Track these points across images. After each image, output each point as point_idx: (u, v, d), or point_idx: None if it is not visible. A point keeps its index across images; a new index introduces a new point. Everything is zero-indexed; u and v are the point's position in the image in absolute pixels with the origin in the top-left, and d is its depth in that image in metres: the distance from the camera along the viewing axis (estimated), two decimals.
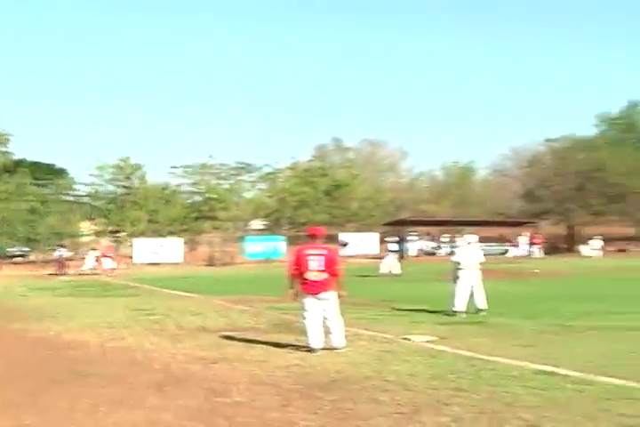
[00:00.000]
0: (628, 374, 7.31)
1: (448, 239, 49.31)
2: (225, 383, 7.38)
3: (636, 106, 69.65)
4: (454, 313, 13.44)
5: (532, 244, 45.96)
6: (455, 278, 13.87)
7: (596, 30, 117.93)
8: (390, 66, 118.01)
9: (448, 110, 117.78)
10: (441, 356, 8.75)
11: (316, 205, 49.82)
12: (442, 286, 15.82)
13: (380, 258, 30.29)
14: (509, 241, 48.59)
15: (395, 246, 29.86)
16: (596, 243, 45.45)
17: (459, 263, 13.92)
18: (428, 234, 54.44)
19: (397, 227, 49.31)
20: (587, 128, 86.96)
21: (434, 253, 48.16)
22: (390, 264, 28.46)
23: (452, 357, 8.68)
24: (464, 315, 13.33)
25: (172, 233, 45.48)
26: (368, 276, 26.24)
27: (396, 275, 27.66)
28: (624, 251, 48.20)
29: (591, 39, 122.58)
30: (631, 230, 56.80)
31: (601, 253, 44.41)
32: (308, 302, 9.25)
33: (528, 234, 47.66)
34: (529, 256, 43.70)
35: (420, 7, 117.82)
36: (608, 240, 47.10)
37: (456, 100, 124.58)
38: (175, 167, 50.66)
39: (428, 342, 9.96)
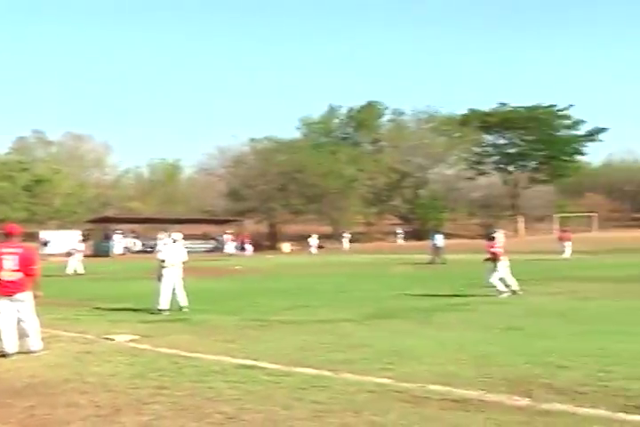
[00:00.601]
0: (320, 364, 7.73)
1: (163, 237, 48.70)
2: None
3: (335, 111, 74.35)
4: (159, 311, 13.35)
5: (242, 242, 46.97)
6: (160, 277, 13.77)
7: (306, 38, 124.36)
8: (96, 58, 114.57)
9: (156, 106, 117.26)
10: (143, 354, 8.64)
11: (14, 201, 46.77)
12: (146, 285, 15.65)
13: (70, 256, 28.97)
14: (215, 239, 49.37)
15: (81, 246, 29.29)
16: (313, 241, 47.86)
17: (163, 261, 13.85)
18: (133, 232, 53.46)
19: (102, 224, 47.93)
20: (290, 130, 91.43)
21: (150, 251, 47.27)
22: (74, 264, 27.75)
23: (154, 355, 8.60)
24: (167, 313, 13.29)
25: None
26: (62, 276, 25.17)
27: (79, 274, 27.15)
28: (322, 248, 51.36)
29: (297, 45, 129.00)
30: (328, 229, 60.55)
31: (316, 250, 46.85)
32: (1, 303, 8.64)
33: (232, 232, 48.79)
34: (234, 254, 44.66)
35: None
36: (308, 238, 49.73)
37: (163, 97, 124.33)
38: None
39: (129, 340, 9.78)
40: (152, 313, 13.28)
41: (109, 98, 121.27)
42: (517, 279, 15.96)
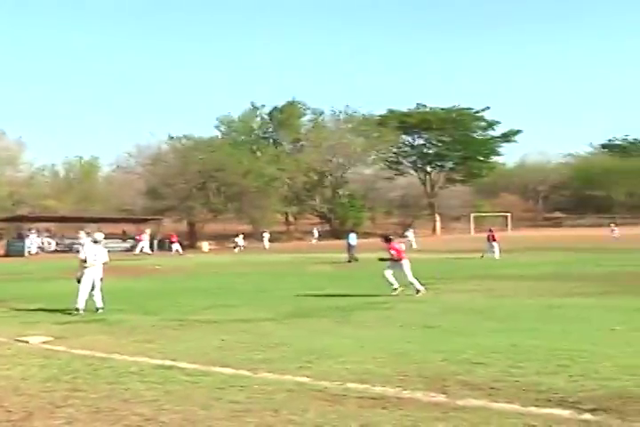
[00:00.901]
0: (239, 364, 7.72)
1: (84, 236, 47.45)
2: None
3: (256, 110, 73.97)
4: (76, 310, 13.07)
5: (171, 242, 46.24)
6: (80, 276, 13.51)
7: (224, 37, 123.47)
8: (8, 52, 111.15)
9: (71, 103, 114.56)
10: (57, 356, 8.43)
11: None
12: (61, 285, 15.28)
13: None
14: (134, 238, 48.49)
15: None
16: (240, 240, 47.80)
17: (84, 261, 13.59)
18: (48, 231, 52.00)
19: (15, 223, 46.52)
20: (208, 129, 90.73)
21: (66, 251, 45.99)
22: None
23: (68, 357, 8.40)
24: (83, 313, 13.01)
25: None
26: None
27: None
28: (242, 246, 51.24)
29: (215, 44, 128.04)
30: (247, 228, 60.37)
31: (240, 249, 46.68)
32: None
33: (148, 231, 48.12)
34: (142, 253, 43.91)
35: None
36: (227, 237, 49.53)
37: (79, 93, 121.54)
38: None
39: (43, 342, 9.54)
40: (70, 313, 12.97)
41: (23, 93, 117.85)
42: (434, 278, 16.23)
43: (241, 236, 48.95)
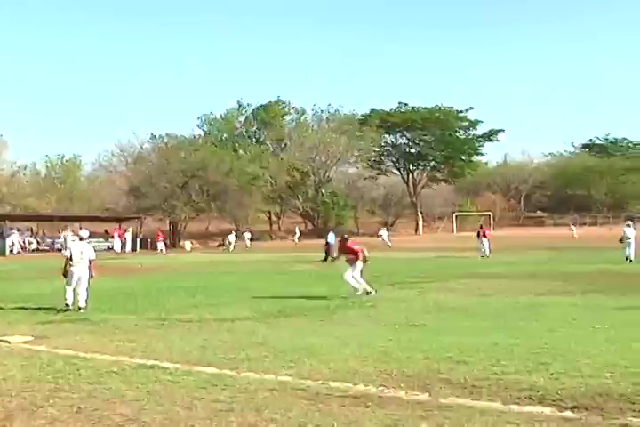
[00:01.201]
0: (221, 363, 7.71)
1: (70, 235, 47.11)
2: None
3: (241, 108, 73.51)
4: (66, 306, 13.13)
5: (157, 240, 46.00)
6: (65, 274, 13.51)
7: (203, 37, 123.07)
8: None
9: (53, 101, 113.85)
10: (38, 356, 8.37)
11: None
12: (44, 284, 15.17)
13: None
14: (120, 237, 48.23)
15: None
16: (232, 237, 47.78)
17: (70, 259, 13.55)
18: (30, 230, 51.50)
19: None
20: (191, 128, 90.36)
21: (48, 250, 45.67)
22: None
23: (50, 356, 8.34)
24: (72, 307, 13.07)
25: None
26: None
27: None
28: (222, 245, 51.12)
29: (196, 43, 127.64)
30: (230, 226, 60.20)
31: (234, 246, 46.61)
32: None
33: (130, 229, 48.00)
34: (121, 252, 43.74)
35: None
36: (210, 236, 49.37)
37: (61, 91, 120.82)
38: None
39: (24, 342, 9.46)
40: (54, 312, 12.95)
41: (2, 91, 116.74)
42: (418, 277, 16.22)
43: (233, 233, 48.78)
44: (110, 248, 44.84)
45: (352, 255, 15.67)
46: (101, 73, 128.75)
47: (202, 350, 8.64)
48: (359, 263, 15.49)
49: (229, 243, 47.29)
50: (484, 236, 32.22)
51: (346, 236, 16.91)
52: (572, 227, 54.77)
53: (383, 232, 48.89)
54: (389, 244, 44.95)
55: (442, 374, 6.95)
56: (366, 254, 15.81)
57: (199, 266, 29.38)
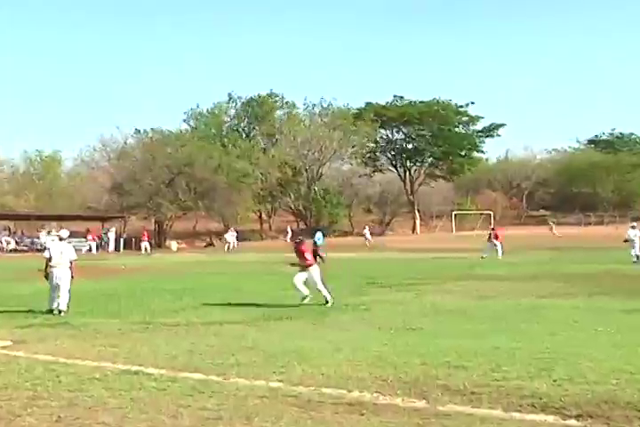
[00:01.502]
0: (209, 369, 7.51)
1: (44, 235, 46.68)
2: None
3: (231, 102, 72.14)
4: (50, 310, 12.91)
5: (141, 240, 45.80)
6: (46, 276, 13.27)
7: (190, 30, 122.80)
8: None
9: (31, 94, 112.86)
10: (17, 362, 8.13)
11: None
12: (23, 286, 14.85)
13: None
14: (100, 237, 47.89)
15: None
16: (229, 236, 47.73)
17: (49, 260, 13.29)
18: (7, 229, 50.69)
19: None
20: (177, 122, 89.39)
21: (26, 250, 45.18)
22: None
23: (29, 362, 8.10)
24: (57, 312, 12.80)
25: None
26: None
27: None
28: (212, 245, 50.95)
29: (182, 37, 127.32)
30: (218, 225, 59.73)
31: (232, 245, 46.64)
32: None
33: (114, 229, 47.81)
34: (112, 252, 43.49)
35: None
36: (197, 235, 48.99)
37: (45, 85, 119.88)
38: None
39: (2, 347, 9.21)
40: (43, 313, 12.81)
41: None
42: (415, 278, 15.91)
43: (230, 232, 48.29)
44: (89, 251, 44.29)
45: (301, 260, 14.79)
46: (85, 67, 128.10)
47: (188, 355, 8.42)
48: (313, 269, 14.50)
49: (227, 242, 46.88)
50: (496, 238, 31.76)
51: (300, 237, 16.38)
52: (552, 224, 54.49)
53: (366, 231, 51.32)
54: (368, 243, 48.03)
55: (440, 380, 6.76)
56: (314, 262, 14.97)
57: (186, 266, 29.13)
